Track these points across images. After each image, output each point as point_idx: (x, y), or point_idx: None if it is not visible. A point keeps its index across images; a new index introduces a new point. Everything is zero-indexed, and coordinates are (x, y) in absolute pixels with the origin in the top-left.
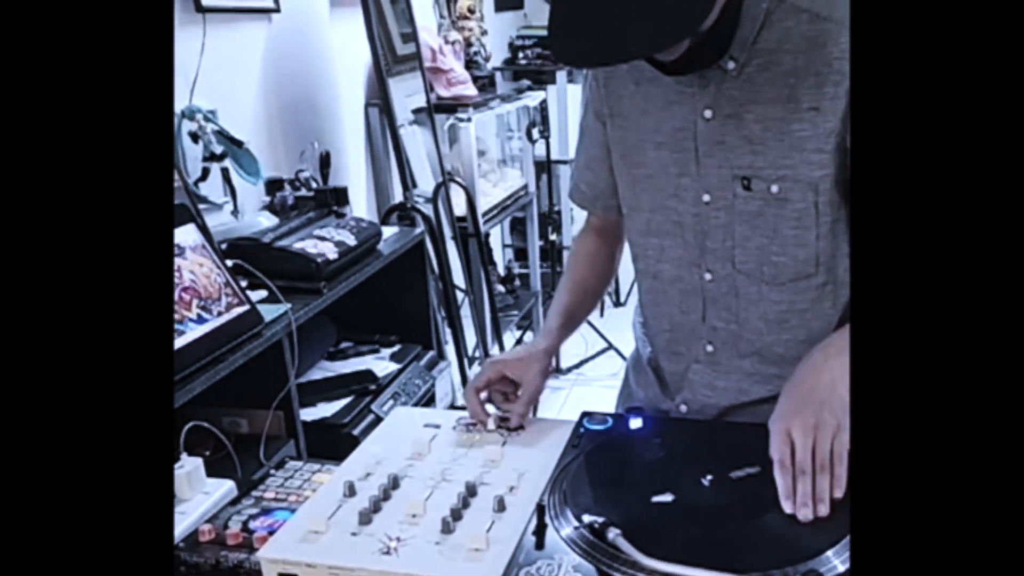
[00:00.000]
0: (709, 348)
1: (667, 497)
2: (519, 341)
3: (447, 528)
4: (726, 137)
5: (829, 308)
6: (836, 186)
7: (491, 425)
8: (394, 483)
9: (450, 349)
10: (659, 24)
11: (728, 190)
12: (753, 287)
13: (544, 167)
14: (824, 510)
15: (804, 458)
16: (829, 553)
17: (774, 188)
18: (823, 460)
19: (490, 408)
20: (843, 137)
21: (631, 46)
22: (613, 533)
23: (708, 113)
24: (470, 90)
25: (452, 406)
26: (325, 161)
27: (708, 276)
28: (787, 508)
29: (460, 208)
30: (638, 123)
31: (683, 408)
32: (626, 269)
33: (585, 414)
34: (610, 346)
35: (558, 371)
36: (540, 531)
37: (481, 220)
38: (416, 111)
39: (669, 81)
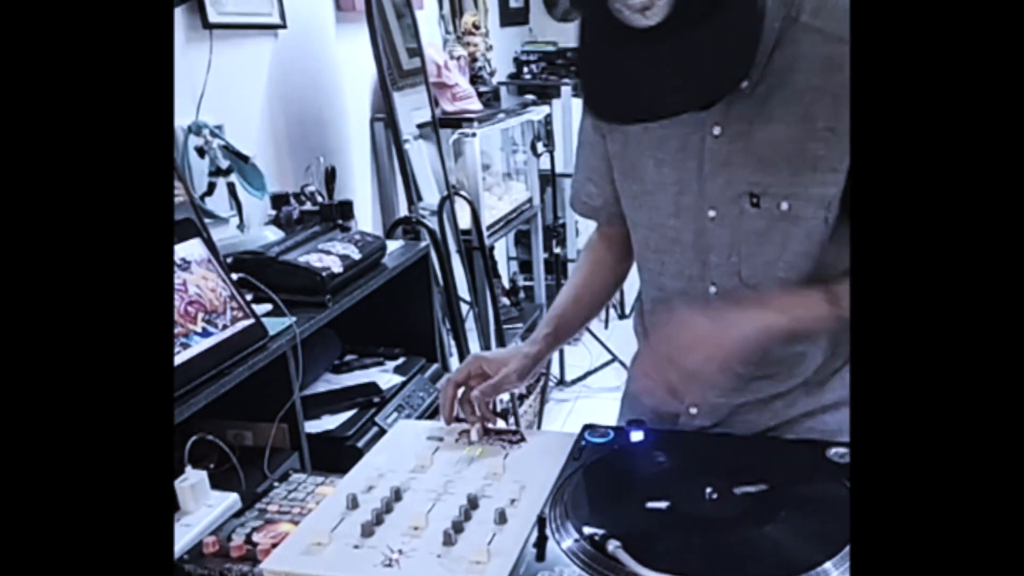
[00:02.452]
0: None
1: (662, 504)
2: None
3: (449, 540)
4: (734, 155)
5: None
6: (842, 199)
7: (474, 435)
8: (396, 496)
9: (455, 362)
10: (703, 78)
11: (735, 206)
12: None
13: (548, 180)
14: None
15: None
16: (828, 565)
17: (783, 205)
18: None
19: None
20: None
21: (677, 100)
22: (613, 545)
23: (717, 130)
24: (475, 104)
25: (456, 419)
26: (330, 175)
27: (713, 289)
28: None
29: (465, 221)
30: (638, 140)
31: (692, 411)
32: (630, 280)
33: (587, 427)
34: (615, 358)
35: (562, 383)
36: (541, 543)
37: (486, 233)
38: (421, 125)
39: None
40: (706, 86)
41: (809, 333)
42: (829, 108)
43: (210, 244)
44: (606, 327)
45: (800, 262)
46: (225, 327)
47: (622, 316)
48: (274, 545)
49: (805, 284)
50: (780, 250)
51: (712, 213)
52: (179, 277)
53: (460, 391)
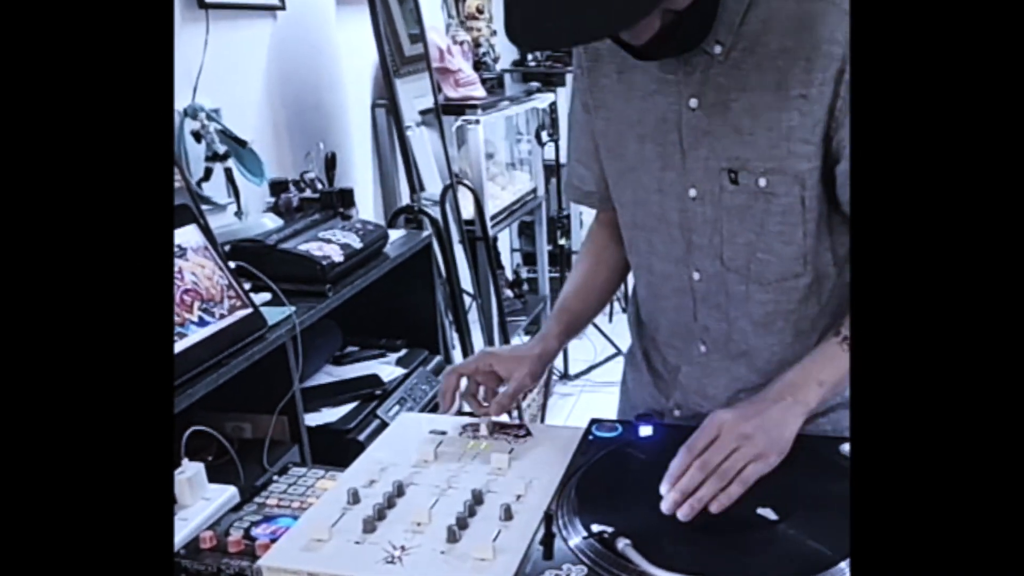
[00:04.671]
0: (702, 348)
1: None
2: None
3: (453, 537)
4: (713, 127)
5: (814, 305)
6: (822, 180)
7: (484, 430)
8: (399, 490)
9: (457, 354)
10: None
11: (715, 183)
12: (741, 285)
13: (553, 170)
14: (686, 513)
15: (712, 458)
16: (843, 565)
17: (761, 181)
18: (726, 471)
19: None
20: (829, 127)
21: (589, 25)
22: (623, 543)
23: (693, 102)
24: (478, 91)
25: (459, 412)
26: (331, 162)
27: (697, 275)
28: (663, 488)
29: (468, 211)
30: (620, 114)
31: (676, 413)
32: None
33: (594, 421)
34: (619, 352)
35: (566, 377)
36: (548, 541)
37: (489, 223)
38: (424, 112)
39: (652, 69)
40: (628, 5)
41: (841, 384)
42: (801, 73)
43: (207, 231)
44: (610, 320)
45: (777, 245)
46: (223, 316)
47: (626, 309)
48: (273, 540)
49: (786, 272)
50: (759, 230)
51: (693, 192)
52: (175, 264)
53: (463, 382)
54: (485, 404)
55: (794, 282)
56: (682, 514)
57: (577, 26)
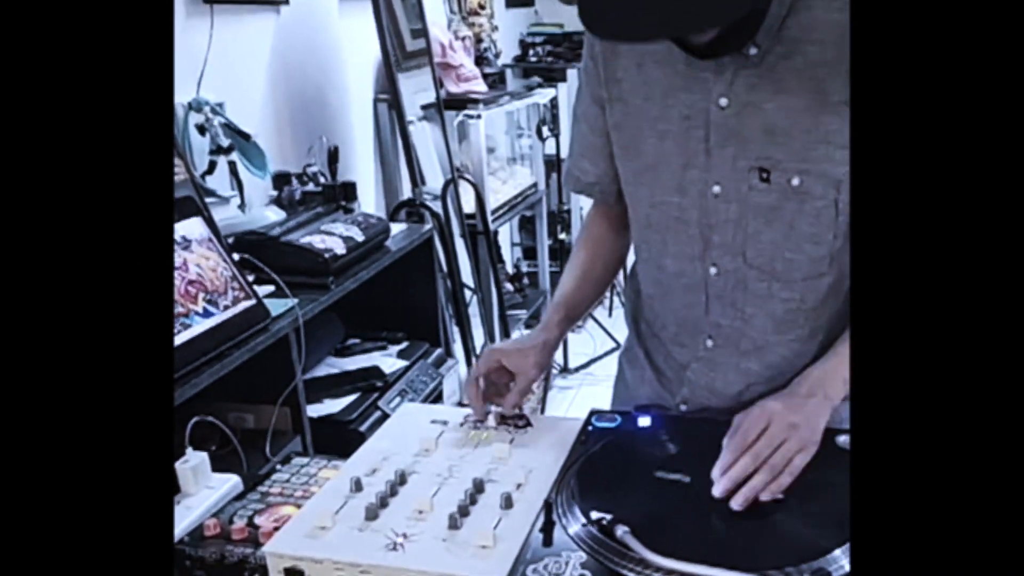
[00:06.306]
0: (709, 343)
1: (674, 476)
2: None
3: (454, 524)
4: (744, 127)
5: (833, 304)
6: None
7: (491, 421)
8: (401, 479)
9: (458, 347)
10: None
11: (743, 182)
12: (763, 283)
13: (554, 165)
14: (740, 503)
15: (764, 448)
16: (838, 552)
17: (795, 181)
18: (776, 463)
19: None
20: None
21: (683, 19)
22: (621, 530)
23: (723, 101)
24: (480, 86)
25: (460, 404)
26: (333, 156)
27: (713, 271)
28: (715, 473)
29: (469, 205)
30: (639, 110)
31: (683, 408)
32: (631, 264)
33: (594, 412)
34: (619, 346)
35: (566, 370)
36: (548, 528)
37: (490, 218)
38: (425, 107)
39: (675, 65)
40: (724, 3)
41: None
42: (843, 81)
43: (211, 223)
44: (610, 315)
45: (807, 245)
46: (227, 307)
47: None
48: (276, 528)
49: (812, 271)
50: (788, 230)
51: (716, 189)
52: (179, 256)
53: (482, 384)
54: (499, 399)
55: (818, 281)
56: (736, 503)
57: (665, 20)
